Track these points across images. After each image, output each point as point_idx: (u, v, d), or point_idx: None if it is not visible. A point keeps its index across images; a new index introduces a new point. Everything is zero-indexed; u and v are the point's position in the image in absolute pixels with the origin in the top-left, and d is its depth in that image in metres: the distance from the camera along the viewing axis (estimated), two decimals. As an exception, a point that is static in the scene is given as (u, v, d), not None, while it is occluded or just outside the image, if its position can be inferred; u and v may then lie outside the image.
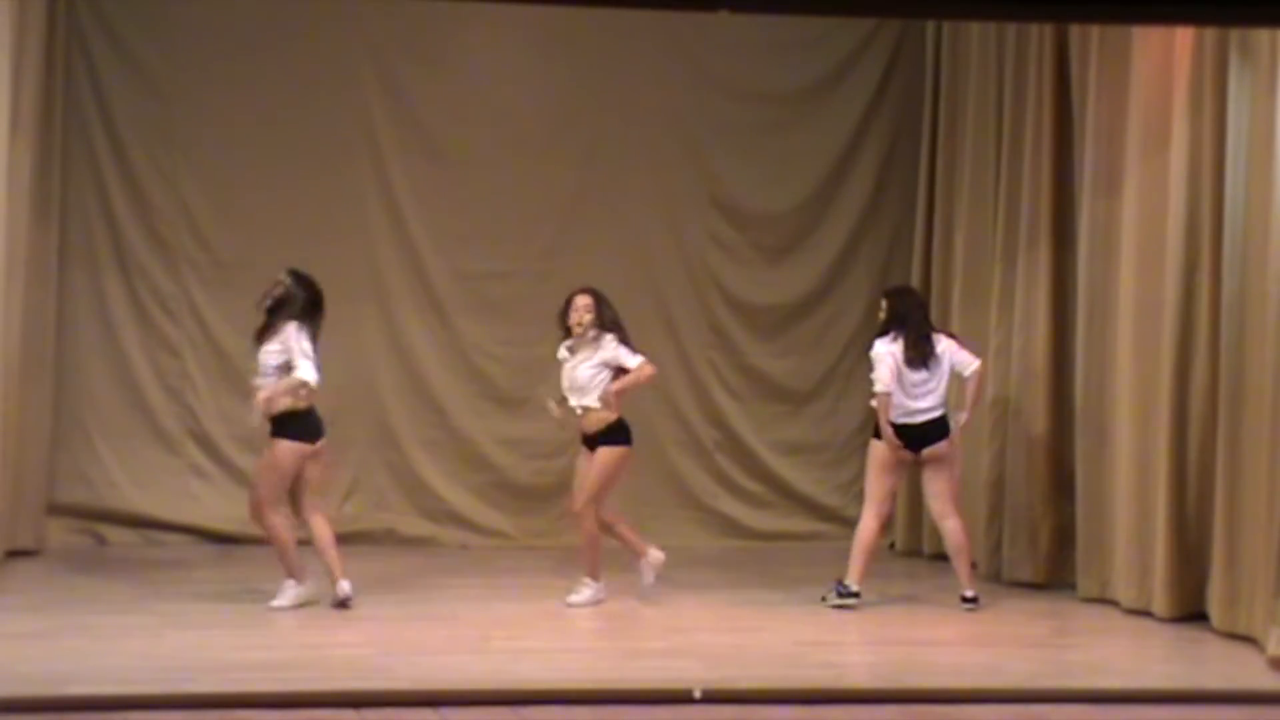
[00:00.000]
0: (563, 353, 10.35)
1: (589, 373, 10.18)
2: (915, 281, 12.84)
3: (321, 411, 12.50)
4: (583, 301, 10.25)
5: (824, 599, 10.39)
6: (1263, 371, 9.30)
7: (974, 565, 10.77)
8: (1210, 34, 9.79)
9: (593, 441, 10.21)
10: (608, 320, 10.26)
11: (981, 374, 10.53)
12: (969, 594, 10.40)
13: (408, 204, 12.68)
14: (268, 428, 9.89)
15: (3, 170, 10.05)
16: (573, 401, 10.25)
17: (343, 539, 12.20)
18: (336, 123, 12.52)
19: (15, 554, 11.31)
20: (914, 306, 10.61)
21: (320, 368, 9.84)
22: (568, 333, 10.31)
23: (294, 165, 12.43)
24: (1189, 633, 9.83)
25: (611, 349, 10.22)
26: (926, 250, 12.75)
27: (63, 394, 12.14)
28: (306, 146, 12.44)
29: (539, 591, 10.44)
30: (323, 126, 12.48)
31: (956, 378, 10.50)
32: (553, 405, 10.32)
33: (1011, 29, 11.60)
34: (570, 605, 10.12)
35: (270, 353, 9.87)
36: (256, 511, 9.96)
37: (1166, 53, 10.19)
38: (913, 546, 12.68)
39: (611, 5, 11.19)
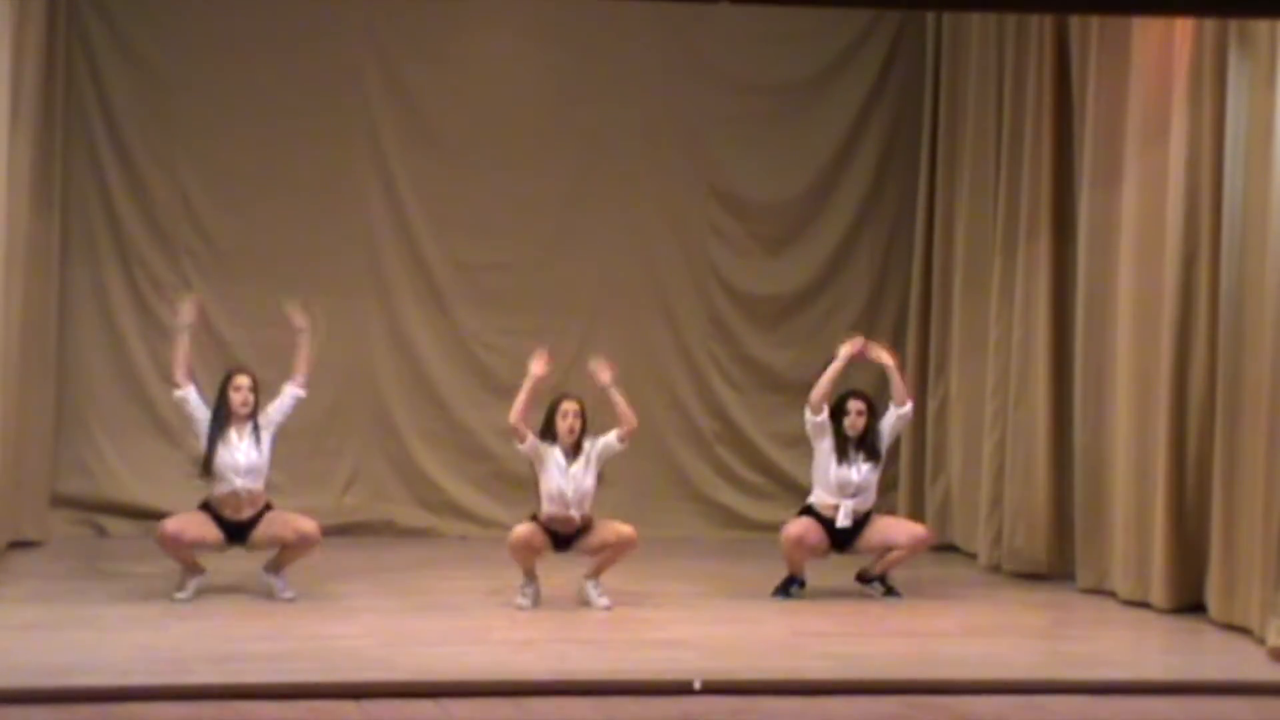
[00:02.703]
0: (560, 460, 9.88)
1: (591, 482, 9.92)
2: (915, 273, 12.85)
3: (321, 402, 12.48)
4: (573, 408, 9.88)
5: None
6: (1261, 362, 9.31)
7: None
8: (1209, 25, 9.78)
9: (570, 538, 9.91)
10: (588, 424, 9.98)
11: None
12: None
13: (407, 195, 12.68)
14: None
15: (3, 163, 10.03)
16: (568, 511, 9.84)
17: (342, 530, 12.27)
18: (336, 113, 12.53)
19: (17, 545, 11.32)
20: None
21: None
22: (552, 437, 9.89)
23: (294, 156, 12.44)
24: (1187, 624, 9.84)
25: (598, 446, 9.94)
26: (926, 242, 12.75)
27: (64, 386, 12.16)
28: (306, 138, 12.45)
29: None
30: (323, 117, 12.49)
31: None
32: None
33: (1011, 20, 11.60)
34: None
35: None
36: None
37: (1166, 44, 10.18)
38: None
39: (611, -4, 11.21)
